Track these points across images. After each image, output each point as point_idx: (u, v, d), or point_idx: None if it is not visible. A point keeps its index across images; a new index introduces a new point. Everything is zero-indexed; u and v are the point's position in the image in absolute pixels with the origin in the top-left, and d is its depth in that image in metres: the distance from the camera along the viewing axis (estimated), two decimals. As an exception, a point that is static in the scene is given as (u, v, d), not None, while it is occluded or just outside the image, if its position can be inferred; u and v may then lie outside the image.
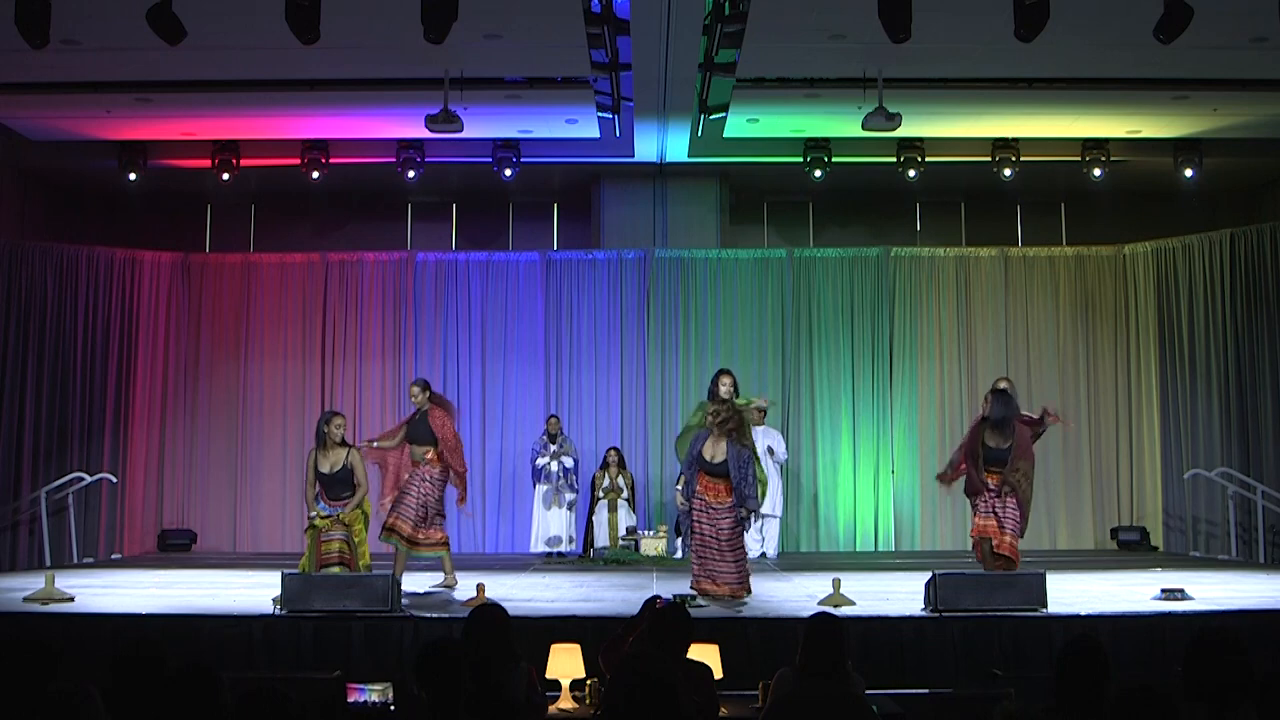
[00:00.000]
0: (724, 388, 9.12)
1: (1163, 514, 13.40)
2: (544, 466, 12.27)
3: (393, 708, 5.27)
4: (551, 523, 12.28)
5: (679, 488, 8.58)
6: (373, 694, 5.38)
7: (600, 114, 11.50)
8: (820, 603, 7.87)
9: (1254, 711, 3.52)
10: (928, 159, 12.40)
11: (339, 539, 8.38)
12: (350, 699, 5.38)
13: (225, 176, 12.52)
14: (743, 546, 8.42)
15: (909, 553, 13.07)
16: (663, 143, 12.71)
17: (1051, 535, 13.35)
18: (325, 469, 8.51)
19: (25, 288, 12.51)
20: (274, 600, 7.72)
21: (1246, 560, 12.03)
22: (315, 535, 8.42)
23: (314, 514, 8.52)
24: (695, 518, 8.35)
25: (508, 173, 12.54)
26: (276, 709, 3.50)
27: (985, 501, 8.72)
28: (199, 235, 14.39)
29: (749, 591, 8.35)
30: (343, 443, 8.62)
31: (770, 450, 11.95)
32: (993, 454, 8.70)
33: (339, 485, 8.51)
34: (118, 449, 13.07)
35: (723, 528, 8.28)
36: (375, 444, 9.35)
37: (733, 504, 8.27)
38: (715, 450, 8.33)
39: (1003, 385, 9.20)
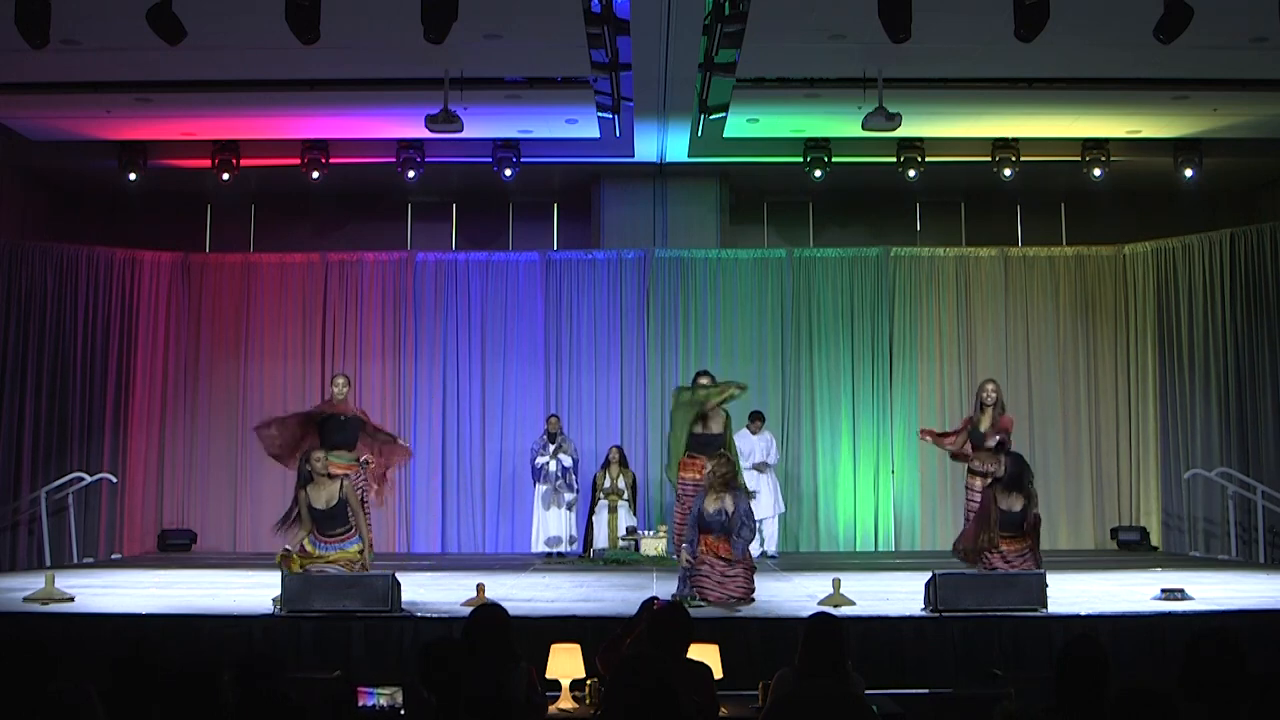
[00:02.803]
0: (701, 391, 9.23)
1: (1162, 514, 13.40)
2: (543, 466, 12.27)
3: (402, 712, 5.25)
4: (551, 523, 12.28)
5: (684, 545, 8.54)
6: (381, 698, 5.36)
7: (600, 114, 11.50)
8: (820, 603, 7.86)
9: (1253, 711, 3.52)
10: (928, 159, 12.40)
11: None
12: (360, 703, 5.36)
13: (225, 176, 12.51)
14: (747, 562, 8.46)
15: (909, 553, 13.07)
16: (663, 143, 12.71)
17: (1051, 535, 13.29)
18: (321, 505, 8.17)
19: (25, 288, 12.51)
20: (274, 600, 7.72)
21: (1246, 560, 12.02)
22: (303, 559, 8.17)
23: (302, 538, 8.25)
24: (699, 571, 8.31)
25: (508, 173, 12.54)
26: (276, 709, 3.50)
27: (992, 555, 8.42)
28: (199, 235, 14.38)
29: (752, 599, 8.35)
30: (331, 476, 8.27)
31: (760, 467, 11.98)
32: (1008, 519, 8.39)
33: (334, 521, 8.21)
34: (118, 449, 13.06)
35: (729, 575, 8.30)
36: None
37: (736, 559, 8.31)
38: (720, 504, 8.34)
39: (997, 398, 9.12)
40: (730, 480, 8.42)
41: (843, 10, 8.87)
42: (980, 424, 9.17)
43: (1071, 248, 14.16)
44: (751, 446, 12.04)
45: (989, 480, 8.76)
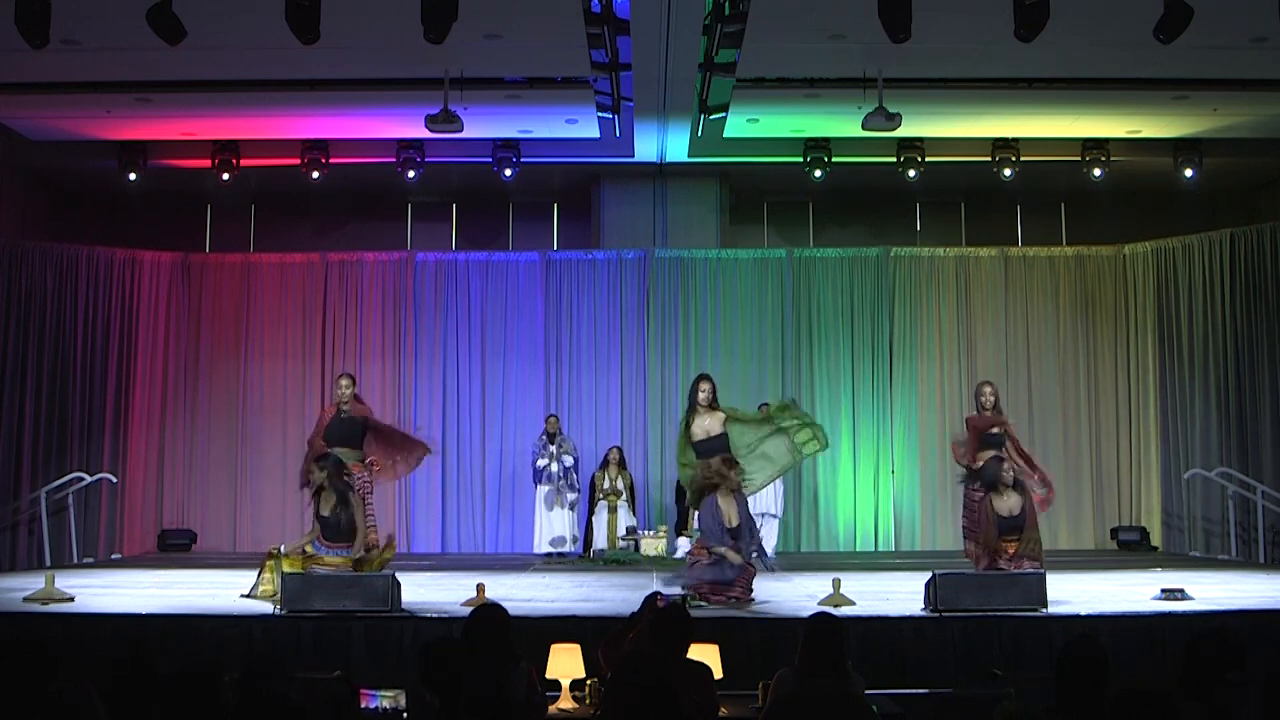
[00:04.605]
0: (703, 394, 9.09)
1: (1162, 514, 13.40)
2: (545, 468, 12.27)
3: (405, 714, 5.25)
4: (555, 523, 12.28)
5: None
6: (384, 700, 5.35)
7: (600, 114, 11.50)
8: (820, 603, 7.86)
9: (1253, 711, 3.52)
10: (928, 159, 12.40)
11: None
12: (363, 704, 5.34)
13: (225, 176, 12.52)
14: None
15: (909, 553, 13.07)
16: (663, 143, 12.71)
17: (1052, 535, 13.27)
18: (326, 512, 8.25)
19: (25, 288, 12.51)
20: (273, 600, 7.72)
21: (1246, 560, 12.03)
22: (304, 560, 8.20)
23: (305, 543, 8.33)
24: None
25: (508, 173, 12.54)
26: (277, 709, 3.50)
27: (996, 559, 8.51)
28: (199, 235, 14.38)
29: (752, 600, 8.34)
30: (333, 487, 8.30)
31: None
32: (1007, 523, 8.51)
33: (339, 530, 8.25)
34: (118, 449, 13.06)
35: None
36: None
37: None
38: (729, 512, 8.35)
39: (995, 400, 9.14)
40: (732, 482, 8.40)
41: (843, 10, 8.88)
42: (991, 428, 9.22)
43: (1071, 248, 14.16)
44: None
45: (980, 490, 8.81)
